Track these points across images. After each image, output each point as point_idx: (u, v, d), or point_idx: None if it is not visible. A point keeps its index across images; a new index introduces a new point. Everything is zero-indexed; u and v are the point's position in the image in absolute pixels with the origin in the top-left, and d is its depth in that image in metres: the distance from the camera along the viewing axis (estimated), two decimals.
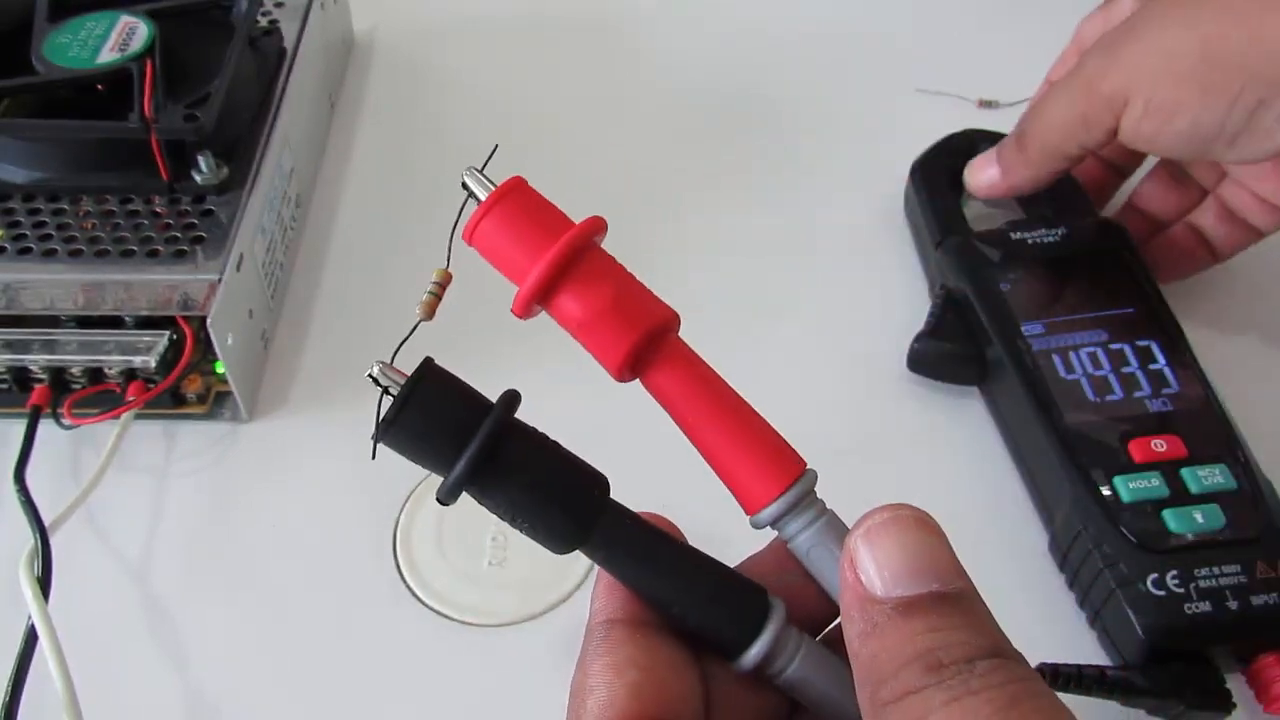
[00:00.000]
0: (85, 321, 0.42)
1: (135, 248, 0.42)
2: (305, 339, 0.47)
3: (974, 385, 0.45)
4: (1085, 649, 0.38)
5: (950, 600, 0.21)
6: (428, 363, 0.23)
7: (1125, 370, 0.40)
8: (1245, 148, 0.38)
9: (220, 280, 0.41)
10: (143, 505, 0.42)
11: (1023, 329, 0.42)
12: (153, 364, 0.41)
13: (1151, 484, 0.37)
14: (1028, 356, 0.41)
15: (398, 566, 0.40)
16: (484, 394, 0.24)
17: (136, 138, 0.42)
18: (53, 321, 0.42)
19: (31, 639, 0.35)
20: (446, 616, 0.39)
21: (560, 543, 0.24)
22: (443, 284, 0.25)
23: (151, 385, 0.42)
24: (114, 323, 0.42)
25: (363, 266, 0.50)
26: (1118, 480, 0.37)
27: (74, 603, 0.37)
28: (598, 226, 0.26)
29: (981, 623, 0.21)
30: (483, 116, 0.57)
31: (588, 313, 0.25)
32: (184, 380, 0.42)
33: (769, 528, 0.26)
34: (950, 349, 0.44)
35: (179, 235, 0.43)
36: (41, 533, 0.37)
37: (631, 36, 0.61)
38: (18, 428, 0.41)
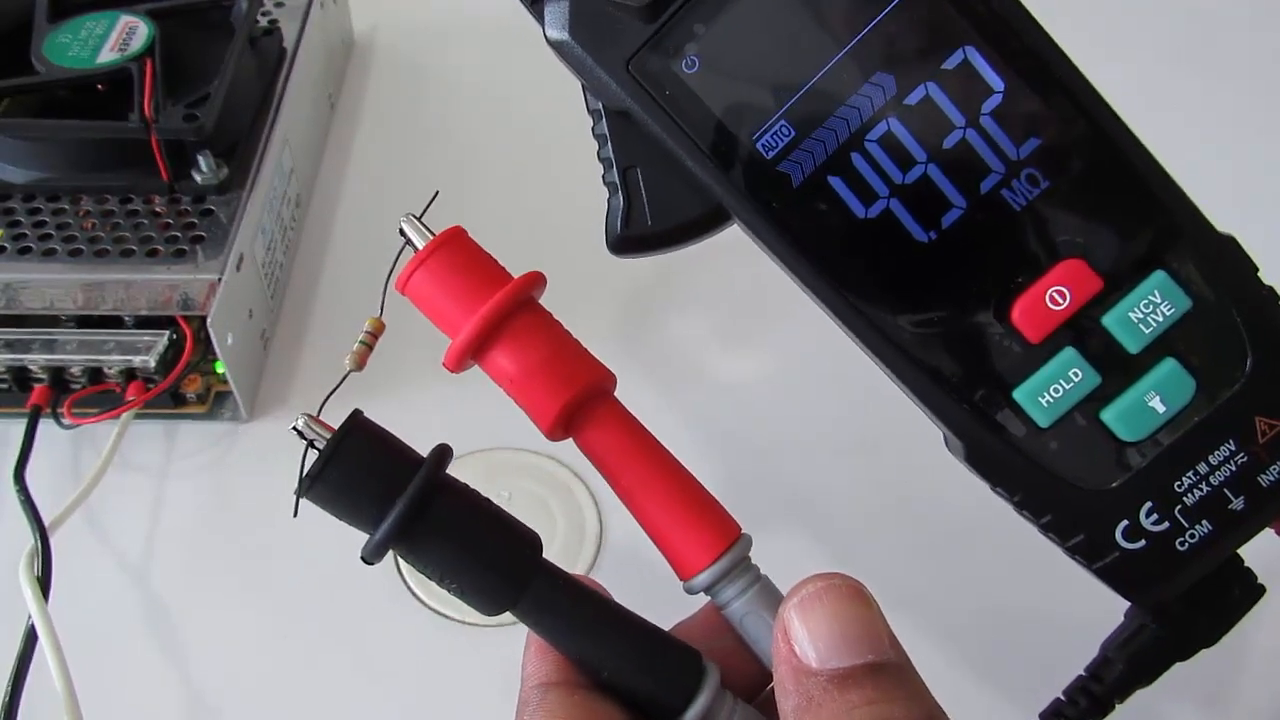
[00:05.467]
0: (85, 321, 0.42)
1: (135, 247, 0.42)
2: (305, 339, 0.47)
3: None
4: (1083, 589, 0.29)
5: (886, 671, 0.21)
6: (355, 416, 0.23)
7: (949, 142, 0.23)
8: None
9: (220, 280, 0.41)
10: (143, 505, 0.42)
11: (758, 147, 0.23)
12: (152, 364, 0.41)
13: (1073, 378, 0.23)
14: (792, 212, 0.23)
15: (398, 566, 0.40)
16: (416, 449, 0.23)
17: (136, 138, 0.42)
18: (53, 321, 0.42)
19: (31, 639, 0.35)
20: (446, 616, 0.39)
21: (490, 605, 0.24)
22: (375, 333, 0.25)
23: (151, 385, 0.42)
24: (114, 322, 0.42)
25: (362, 266, 0.50)
26: (1021, 395, 0.23)
27: (74, 603, 0.37)
28: (534, 282, 0.25)
29: (917, 693, 0.21)
30: (483, 116, 0.57)
31: (520, 370, 0.25)
32: (184, 380, 0.42)
33: (702, 593, 0.25)
34: (668, 230, 0.25)
35: (179, 235, 0.43)
36: (41, 533, 0.37)
37: None
38: (18, 428, 0.41)
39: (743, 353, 0.47)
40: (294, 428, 0.23)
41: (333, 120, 0.57)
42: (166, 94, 0.43)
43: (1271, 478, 0.23)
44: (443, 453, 0.24)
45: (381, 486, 0.23)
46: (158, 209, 0.44)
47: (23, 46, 0.45)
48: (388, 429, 0.24)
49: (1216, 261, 0.23)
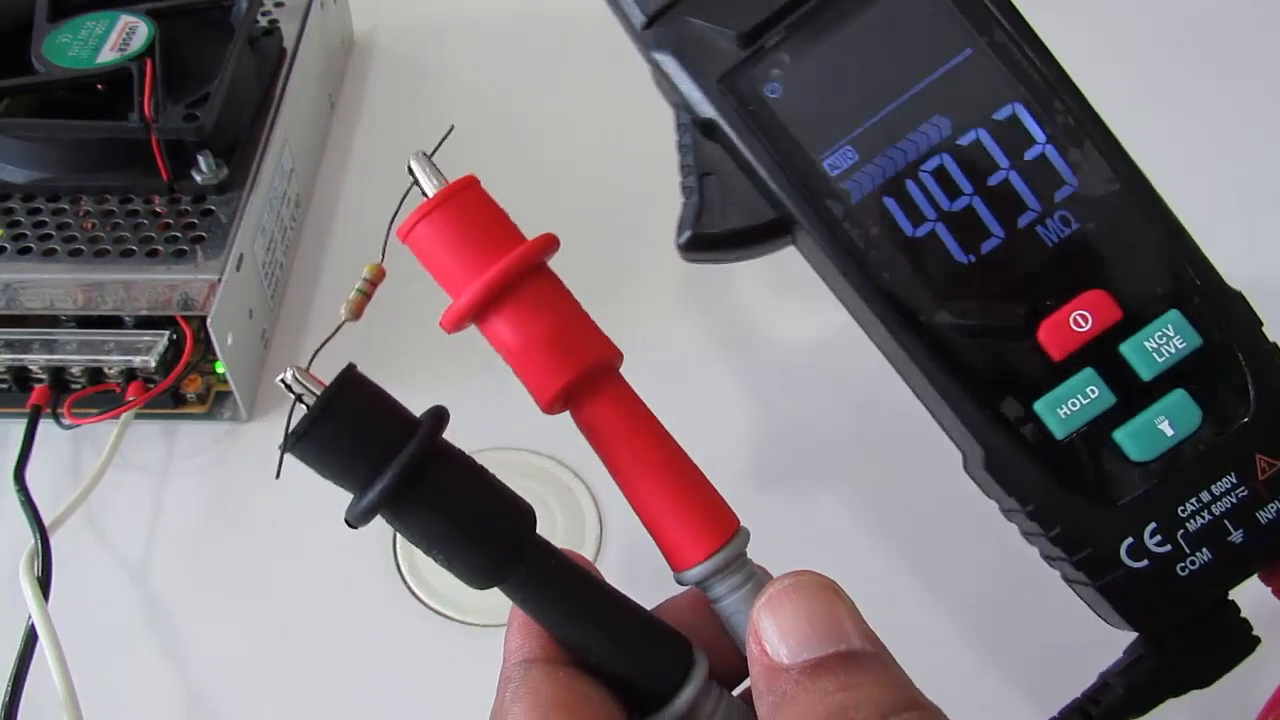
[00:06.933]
0: (85, 321, 0.42)
1: (135, 247, 0.42)
2: (305, 339, 0.47)
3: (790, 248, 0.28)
4: (1068, 607, 0.29)
5: (860, 658, 0.21)
6: (349, 370, 0.22)
7: (994, 181, 0.25)
8: None
9: (220, 280, 0.41)
10: (143, 505, 0.42)
11: (825, 167, 0.26)
12: (153, 364, 0.41)
13: (1090, 395, 0.25)
14: (849, 223, 0.26)
15: (398, 566, 0.40)
16: (410, 409, 0.22)
17: (136, 138, 0.42)
18: (53, 321, 0.42)
19: (31, 639, 0.35)
20: (446, 616, 0.39)
21: (478, 579, 0.23)
22: (374, 281, 0.23)
23: (151, 385, 0.42)
24: (114, 322, 0.42)
25: (362, 266, 0.50)
26: (1042, 407, 0.25)
27: (74, 603, 0.37)
28: (547, 245, 0.24)
29: (896, 680, 0.21)
30: (483, 116, 0.57)
31: (522, 342, 0.23)
32: (184, 380, 0.42)
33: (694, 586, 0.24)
34: (734, 232, 0.27)
35: (179, 235, 0.43)
36: (41, 533, 0.37)
37: None
38: (18, 428, 0.41)
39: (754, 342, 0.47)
40: (281, 380, 0.21)
41: (333, 120, 0.57)
42: (166, 94, 0.43)
43: (1269, 515, 0.25)
44: (440, 415, 0.22)
45: (374, 447, 0.21)
46: (158, 209, 0.44)
47: (23, 46, 0.45)
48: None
49: (1226, 311, 0.25)
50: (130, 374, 0.42)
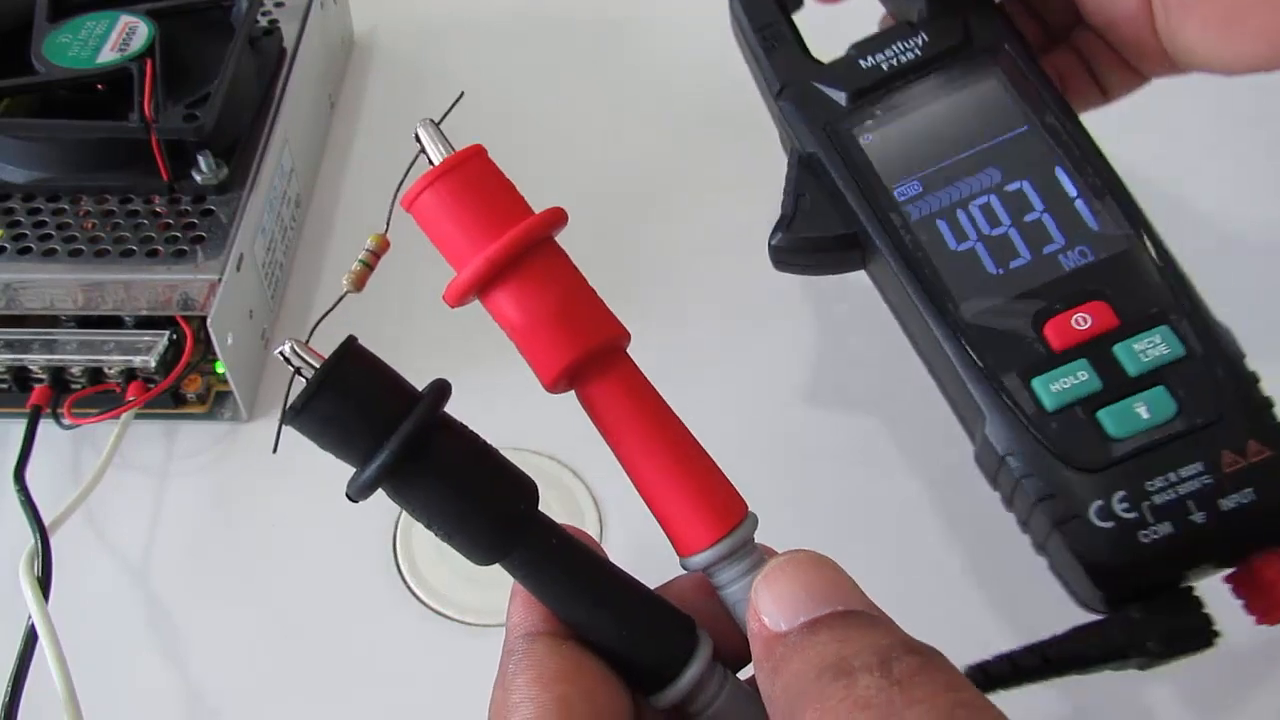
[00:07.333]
0: (85, 321, 0.42)
1: (135, 248, 0.42)
2: (305, 339, 0.47)
3: (860, 270, 0.36)
4: (1035, 583, 0.32)
5: (856, 615, 0.20)
6: (350, 341, 0.21)
7: (1029, 218, 0.32)
8: None
9: (220, 280, 0.41)
10: (143, 505, 0.42)
11: (895, 194, 0.33)
12: (153, 364, 0.41)
13: (1079, 378, 0.29)
14: (905, 233, 0.32)
15: (398, 566, 0.40)
16: (411, 383, 0.22)
17: (136, 138, 0.42)
18: (53, 321, 0.42)
19: (31, 639, 0.35)
20: (446, 616, 0.39)
21: (480, 554, 0.22)
22: (377, 252, 0.23)
23: (151, 385, 0.42)
24: (114, 323, 0.42)
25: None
26: (1037, 383, 0.29)
27: (74, 603, 0.37)
28: (555, 219, 0.23)
29: (890, 627, 0.21)
30: (482, 117, 0.57)
31: (527, 318, 0.23)
32: (184, 380, 0.42)
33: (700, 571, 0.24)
34: (814, 240, 0.34)
35: (179, 235, 0.43)
36: (41, 533, 0.37)
37: (632, 37, 0.61)
38: (18, 428, 0.41)
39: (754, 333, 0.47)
40: (279, 353, 0.21)
41: (333, 120, 0.57)
42: (166, 94, 0.43)
43: (1230, 503, 0.27)
44: (442, 388, 0.22)
45: (375, 419, 0.21)
46: (158, 209, 0.44)
47: (23, 46, 0.45)
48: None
49: (1209, 334, 0.29)
50: (130, 374, 0.42)
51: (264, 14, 0.53)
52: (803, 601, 0.21)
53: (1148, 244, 0.31)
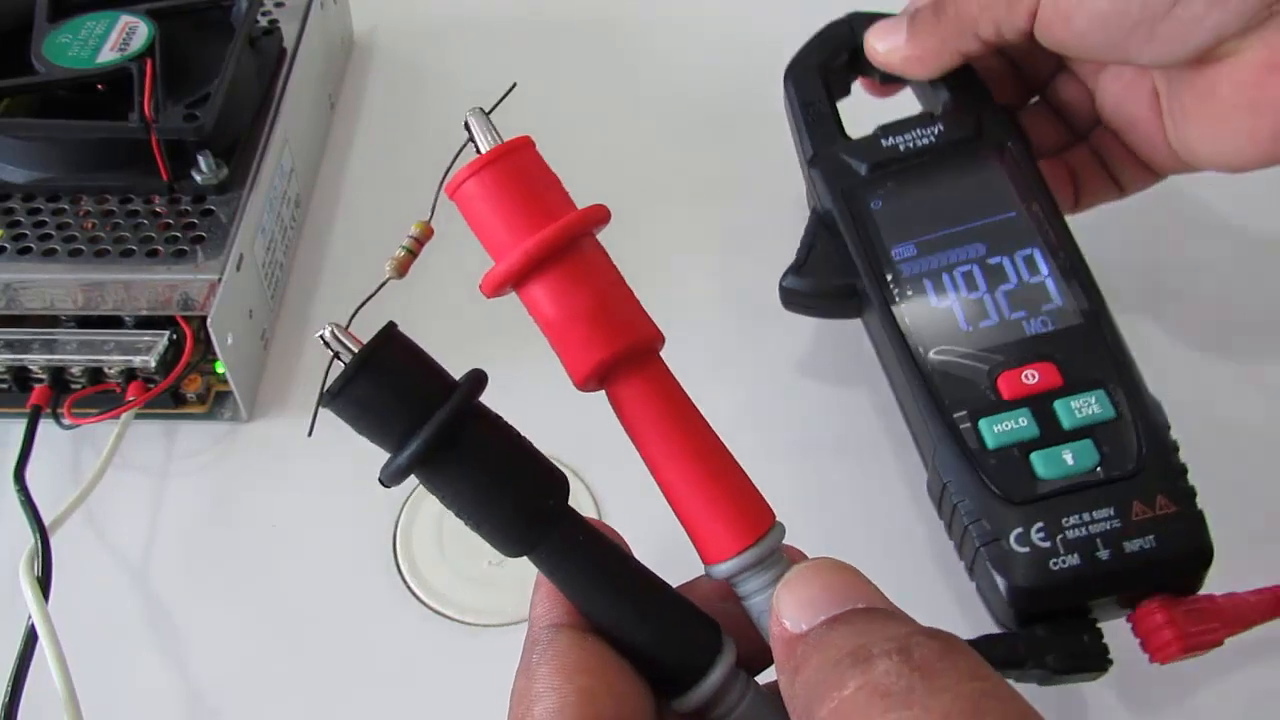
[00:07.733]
0: (85, 321, 0.42)
1: (135, 247, 0.42)
2: (305, 339, 0.47)
3: (857, 318, 0.41)
4: (964, 605, 0.35)
5: (876, 610, 0.21)
6: (390, 327, 0.21)
7: (1004, 288, 0.36)
8: (1166, 42, 0.34)
9: (220, 280, 0.41)
10: (143, 505, 0.42)
11: (892, 253, 0.38)
12: (153, 364, 0.41)
13: (1019, 424, 0.33)
14: (895, 286, 0.37)
15: (398, 566, 0.40)
16: (448, 371, 0.22)
17: (136, 138, 0.42)
18: (53, 321, 0.42)
19: (31, 639, 0.35)
20: (446, 616, 0.39)
21: (508, 545, 0.22)
22: (421, 239, 0.22)
23: (151, 385, 0.42)
24: (114, 322, 0.42)
25: (362, 266, 0.50)
26: (983, 423, 0.34)
27: (74, 603, 0.37)
28: (598, 216, 0.23)
29: (911, 621, 0.21)
30: None
31: (563, 313, 0.23)
32: (184, 380, 0.42)
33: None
34: (819, 284, 0.39)
35: (179, 235, 0.43)
36: (41, 533, 0.37)
37: (632, 37, 0.61)
38: (18, 428, 0.41)
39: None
40: (320, 336, 0.21)
41: (333, 120, 0.57)
42: (166, 94, 0.43)
43: (1134, 546, 0.31)
44: (478, 377, 0.22)
45: (411, 405, 0.21)
46: (158, 209, 0.44)
47: (23, 46, 0.45)
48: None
49: (1140, 402, 0.34)
50: (130, 374, 0.42)
51: (264, 14, 0.53)
52: (822, 602, 0.21)
53: (1101, 323, 0.35)
